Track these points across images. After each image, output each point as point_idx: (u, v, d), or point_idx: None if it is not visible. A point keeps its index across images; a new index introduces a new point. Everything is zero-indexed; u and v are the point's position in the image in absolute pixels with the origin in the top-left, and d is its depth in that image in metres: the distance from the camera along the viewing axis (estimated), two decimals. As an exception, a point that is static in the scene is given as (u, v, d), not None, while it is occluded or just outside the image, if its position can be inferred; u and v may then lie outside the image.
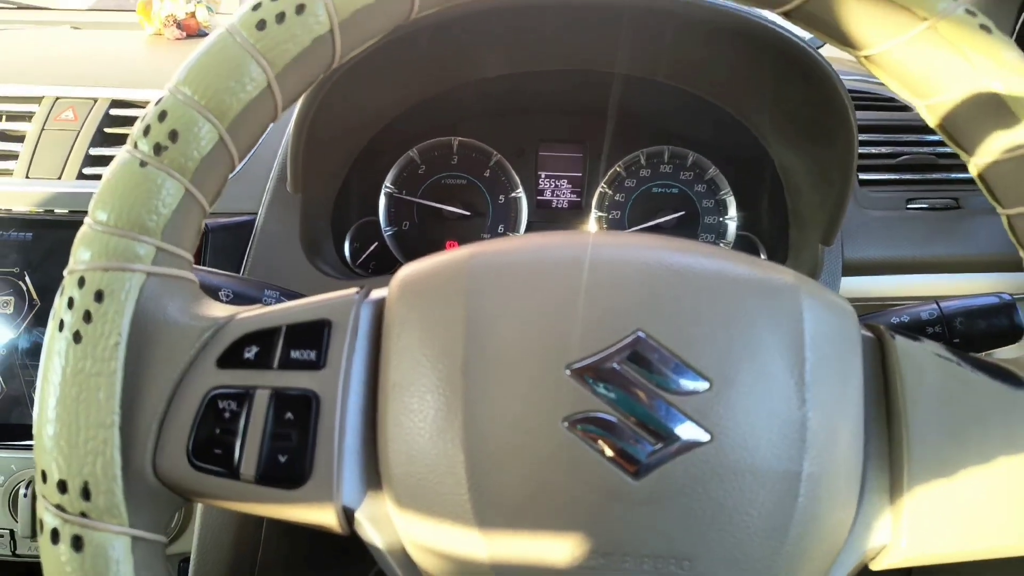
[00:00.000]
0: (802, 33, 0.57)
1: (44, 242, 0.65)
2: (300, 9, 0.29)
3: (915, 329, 0.50)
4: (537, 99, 0.80)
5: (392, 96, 0.72)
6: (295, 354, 0.30)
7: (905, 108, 0.85)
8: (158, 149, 0.29)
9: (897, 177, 0.79)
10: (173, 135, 0.29)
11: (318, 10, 0.29)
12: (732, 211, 0.82)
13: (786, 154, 0.72)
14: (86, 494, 0.27)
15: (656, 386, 0.27)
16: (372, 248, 0.81)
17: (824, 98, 0.61)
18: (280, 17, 0.29)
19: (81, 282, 0.28)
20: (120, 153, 0.30)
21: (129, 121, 0.71)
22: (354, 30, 0.31)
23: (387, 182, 0.81)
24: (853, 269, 0.74)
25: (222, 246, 0.65)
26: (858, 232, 0.75)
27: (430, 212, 0.81)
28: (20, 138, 0.69)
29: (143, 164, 0.29)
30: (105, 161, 0.69)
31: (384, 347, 0.30)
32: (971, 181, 0.80)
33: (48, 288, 0.64)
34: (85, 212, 0.30)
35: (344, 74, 0.60)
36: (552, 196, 0.84)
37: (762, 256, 0.81)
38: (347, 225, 0.80)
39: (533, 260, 0.30)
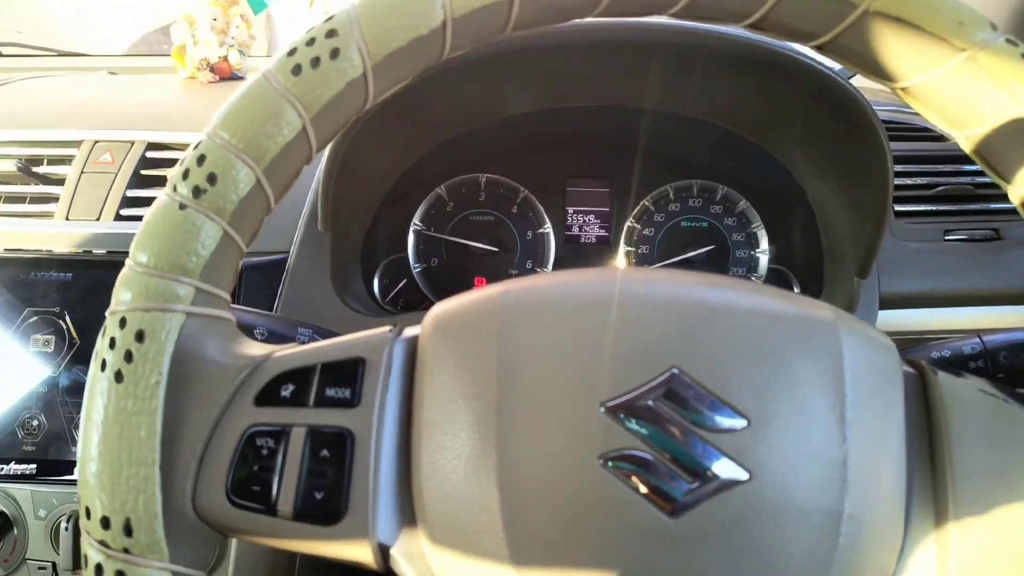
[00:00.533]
0: (833, 64, 0.57)
1: (83, 282, 0.66)
2: (335, 54, 0.30)
3: (957, 364, 0.48)
4: (564, 135, 0.80)
5: (420, 135, 0.73)
6: (330, 392, 0.30)
7: (941, 138, 0.83)
8: (197, 192, 0.29)
9: (934, 208, 0.77)
10: (212, 178, 0.29)
11: (352, 54, 0.30)
12: (763, 244, 0.81)
13: (819, 187, 0.71)
14: (128, 530, 0.27)
15: (692, 423, 0.26)
16: (401, 285, 0.81)
17: (857, 130, 0.61)
18: (315, 62, 0.30)
19: (123, 323, 0.29)
20: (160, 196, 0.30)
21: (165, 163, 0.73)
22: (386, 72, 0.31)
23: (416, 219, 0.81)
24: (890, 302, 0.72)
25: (255, 285, 0.66)
26: (895, 265, 0.73)
27: (458, 248, 0.81)
28: (61, 181, 0.71)
29: (182, 207, 0.29)
30: (142, 202, 0.70)
31: (417, 385, 0.30)
32: (1012, 211, 0.79)
33: (87, 327, 0.65)
34: (123, 252, 0.30)
35: (373, 115, 0.61)
36: (580, 231, 0.83)
37: (796, 290, 0.79)
38: (376, 262, 0.80)
39: (565, 297, 0.30)
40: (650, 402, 0.26)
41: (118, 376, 0.28)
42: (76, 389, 0.64)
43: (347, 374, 0.30)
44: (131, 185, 0.71)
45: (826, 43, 0.32)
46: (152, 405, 0.28)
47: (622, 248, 0.82)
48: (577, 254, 0.83)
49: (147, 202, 0.71)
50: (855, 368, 0.27)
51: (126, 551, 0.27)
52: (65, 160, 0.73)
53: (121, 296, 0.29)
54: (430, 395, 0.29)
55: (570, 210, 0.83)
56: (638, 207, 0.82)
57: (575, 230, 0.83)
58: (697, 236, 0.82)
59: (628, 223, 0.82)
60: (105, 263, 0.67)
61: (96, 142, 0.73)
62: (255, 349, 0.32)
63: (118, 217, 0.69)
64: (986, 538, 0.27)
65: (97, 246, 0.68)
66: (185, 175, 0.30)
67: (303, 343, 0.51)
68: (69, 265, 0.67)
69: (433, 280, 0.82)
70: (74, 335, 0.65)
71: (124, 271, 0.30)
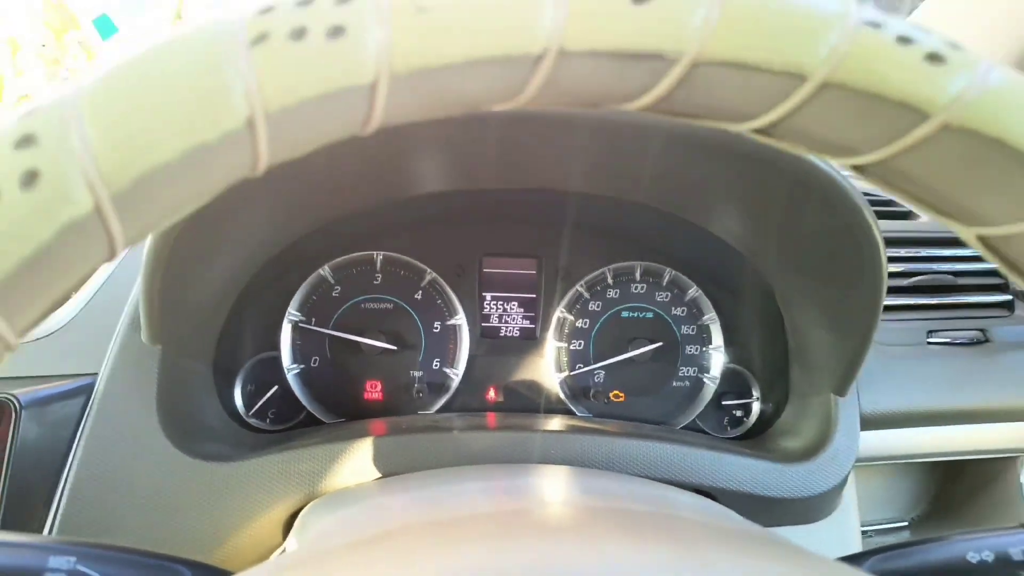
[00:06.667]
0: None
1: None
2: (30, 179, 0.16)
3: (1003, 571, 0.37)
4: (481, 208, 0.65)
5: (296, 216, 0.56)
6: None
7: (908, 214, 0.73)
8: None
9: (913, 301, 0.66)
10: None
11: (67, 182, 0.16)
12: (718, 339, 0.68)
13: (790, 285, 0.58)
14: None
15: None
16: (272, 392, 0.63)
17: (847, 231, 0.48)
18: None
19: None
20: None
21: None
22: (143, 203, 0.17)
23: (291, 308, 0.64)
24: (867, 423, 0.60)
25: (40, 428, 0.48)
26: (875, 377, 0.61)
27: (346, 346, 0.65)
28: None
29: None
30: None
31: None
32: (999, 305, 0.69)
33: None
34: None
35: (222, 196, 0.44)
36: (500, 322, 0.68)
37: (755, 394, 0.67)
38: (237, 364, 0.63)
39: None
40: None
41: None
42: None
43: None
44: None
45: (868, 165, 0.21)
46: None
47: (550, 344, 0.67)
48: (496, 351, 0.68)
49: None
50: None
51: None
52: None
53: None
54: None
55: (488, 296, 0.68)
56: (570, 293, 0.68)
57: (494, 321, 0.68)
58: (641, 329, 0.68)
59: (558, 313, 0.68)
60: None
61: None
62: None
63: None
64: None
65: None
66: None
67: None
68: None
69: (313, 385, 0.65)
70: None
71: None
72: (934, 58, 0.18)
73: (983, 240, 0.21)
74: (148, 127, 0.17)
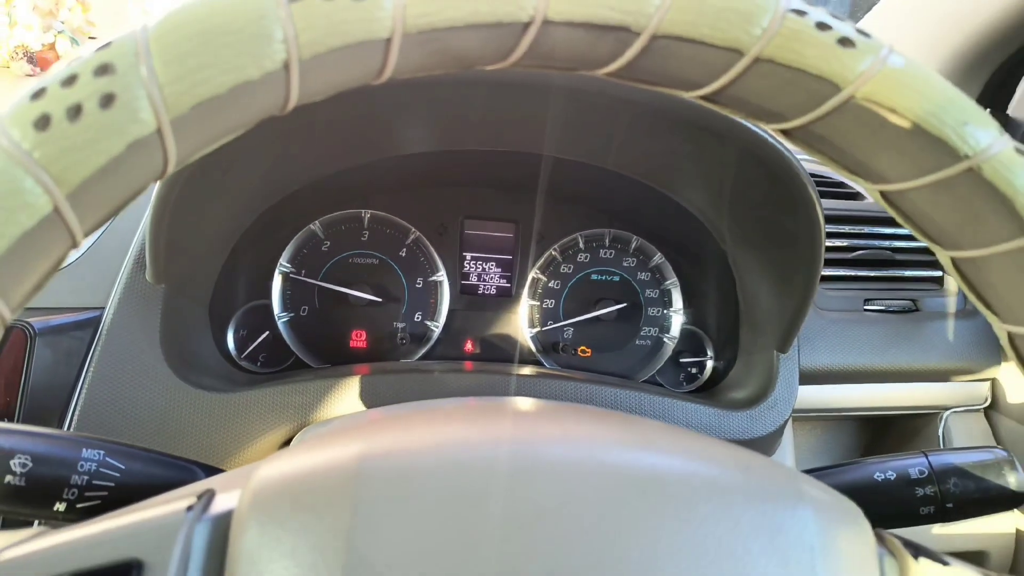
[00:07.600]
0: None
1: None
2: (107, 101, 0.19)
3: (903, 487, 0.43)
4: (464, 172, 0.69)
5: (291, 170, 0.60)
6: None
7: (857, 195, 0.79)
8: None
9: (854, 273, 0.73)
10: None
11: (136, 103, 0.19)
12: (678, 303, 0.74)
13: (742, 252, 0.64)
14: None
15: None
16: (263, 337, 0.68)
17: (792, 203, 0.54)
18: (74, 112, 0.19)
19: None
20: None
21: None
22: (194, 129, 0.21)
23: (283, 260, 0.68)
24: (808, 378, 0.67)
25: (54, 354, 0.51)
26: (815, 337, 0.68)
27: (334, 296, 0.69)
28: None
29: None
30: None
31: None
32: (930, 280, 0.76)
33: None
34: None
35: (224, 146, 0.48)
36: (478, 281, 0.73)
37: (709, 352, 0.73)
38: (231, 310, 0.67)
39: (446, 470, 0.23)
40: None
41: None
42: None
43: None
44: None
45: (794, 129, 0.25)
46: None
47: (524, 301, 0.73)
48: (474, 306, 0.73)
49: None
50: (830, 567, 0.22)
51: None
52: None
53: None
54: None
55: (468, 256, 0.73)
56: (544, 256, 0.73)
57: (473, 279, 0.73)
58: (608, 290, 0.74)
59: (532, 274, 0.73)
60: None
61: None
62: None
63: None
64: None
65: None
66: None
67: (87, 475, 0.38)
68: None
69: (302, 332, 0.69)
70: None
71: None
72: (845, 42, 0.23)
73: (884, 196, 0.26)
74: (204, 63, 0.21)
